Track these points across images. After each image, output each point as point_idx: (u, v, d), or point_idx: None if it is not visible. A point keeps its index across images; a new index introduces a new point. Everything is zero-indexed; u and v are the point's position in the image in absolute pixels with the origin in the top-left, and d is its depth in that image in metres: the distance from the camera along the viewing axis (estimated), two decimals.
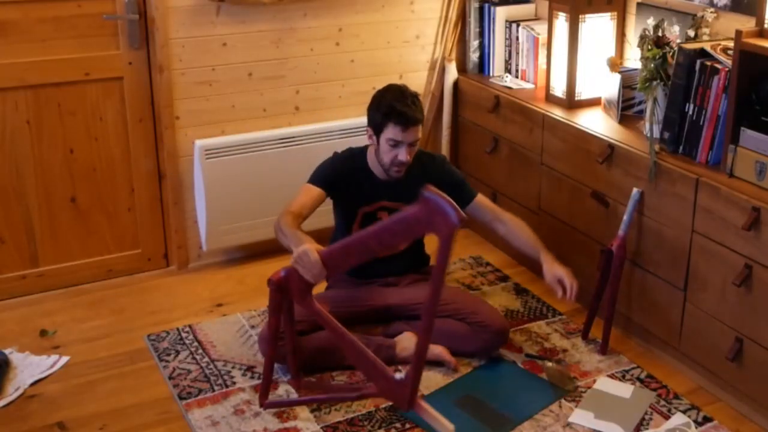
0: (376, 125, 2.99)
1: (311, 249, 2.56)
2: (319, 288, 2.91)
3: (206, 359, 3.06)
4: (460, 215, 2.22)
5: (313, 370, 2.95)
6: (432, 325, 2.38)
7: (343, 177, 3.08)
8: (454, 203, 2.24)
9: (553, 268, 2.96)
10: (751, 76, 2.69)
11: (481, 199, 3.17)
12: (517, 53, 3.84)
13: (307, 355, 2.88)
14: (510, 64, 3.90)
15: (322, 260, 2.53)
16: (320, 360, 2.94)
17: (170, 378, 2.96)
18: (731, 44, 2.76)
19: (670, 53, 2.98)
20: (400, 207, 3.02)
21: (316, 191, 3.03)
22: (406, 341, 3.02)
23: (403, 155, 2.97)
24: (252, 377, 2.96)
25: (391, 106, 2.95)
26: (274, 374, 2.86)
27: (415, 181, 3.02)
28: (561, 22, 3.43)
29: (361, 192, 3.08)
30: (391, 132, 2.95)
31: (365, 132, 3.09)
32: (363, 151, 3.12)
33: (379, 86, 4.01)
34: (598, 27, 3.43)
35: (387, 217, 3.05)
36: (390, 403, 2.77)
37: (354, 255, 2.53)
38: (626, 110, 3.33)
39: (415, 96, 3.01)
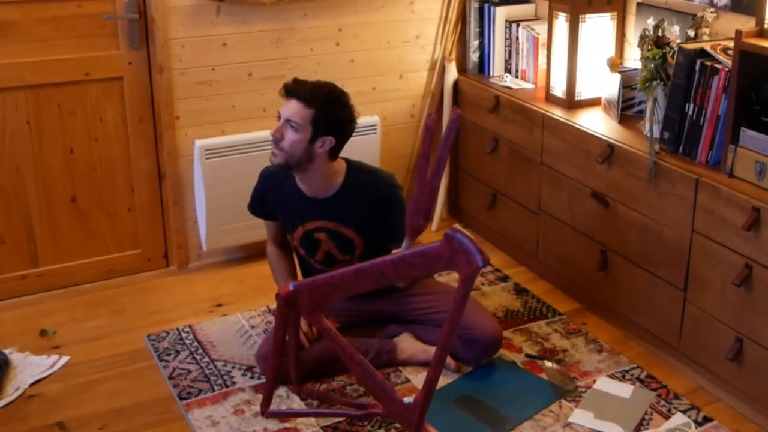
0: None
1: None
2: None
3: (206, 359, 3.06)
4: (484, 257, 2.17)
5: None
6: (445, 357, 2.35)
7: (269, 197, 3.00)
8: (478, 244, 2.18)
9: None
10: (751, 76, 2.69)
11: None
12: (517, 53, 3.84)
13: (306, 366, 2.85)
14: (510, 64, 3.89)
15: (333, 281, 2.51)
16: (319, 371, 2.92)
17: (170, 378, 2.96)
18: (731, 44, 2.76)
19: (670, 53, 2.98)
20: (338, 228, 2.91)
21: (266, 221, 3.08)
22: (405, 342, 3.02)
23: (274, 129, 2.79)
24: (252, 377, 2.96)
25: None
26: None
27: (348, 200, 2.90)
28: (561, 22, 3.43)
29: (293, 210, 2.96)
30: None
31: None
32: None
33: (380, 86, 4.02)
34: (598, 27, 3.43)
35: (325, 238, 2.93)
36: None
37: (368, 280, 2.45)
38: (626, 110, 3.33)
39: (324, 85, 2.83)
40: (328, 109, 2.78)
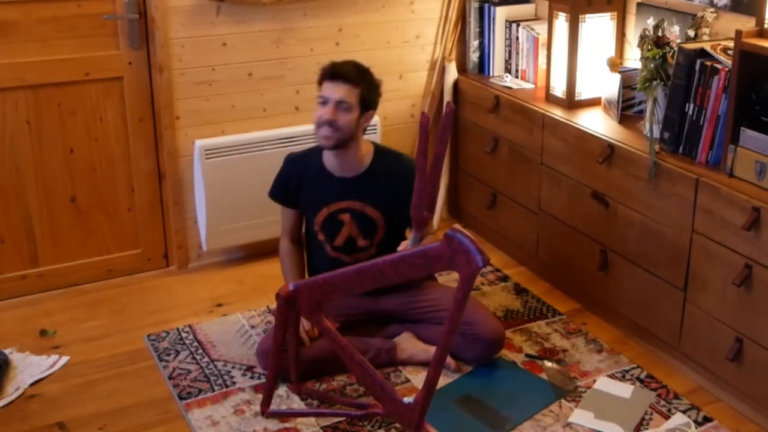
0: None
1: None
2: None
3: (206, 359, 3.06)
4: (484, 257, 2.18)
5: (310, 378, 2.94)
6: (445, 357, 2.35)
7: (293, 182, 3.04)
8: (478, 244, 2.19)
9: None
10: (751, 76, 2.69)
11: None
12: (517, 53, 3.84)
13: (305, 365, 2.85)
14: (510, 64, 3.89)
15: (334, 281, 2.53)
16: (319, 370, 2.93)
17: (170, 378, 2.96)
18: (731, 44, 2.76)
19: (670, 53, 2.98)
20: (363, 207, 2.99)
21: (285, 209, 3.10)
22: (405, 341, 3.02)
23: (324, 112, 2.86)
24: (252, 377, 2.96)
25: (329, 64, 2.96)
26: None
27: (376, 180, 2.99)
28: (561, 22, 3.43)
29: (320, 191, 3.02)
30: (322, 89, 2.92)
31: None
32: (313, 151, 3.04)
33: None
34: (598, 27, 3.43)
35: (349, 220, 2.99)
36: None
37: (368, 280, 2.46)
38: (626, 110, 3.33)
39: (356, 63, 2.99)
40: (370, 85, 2.96)
